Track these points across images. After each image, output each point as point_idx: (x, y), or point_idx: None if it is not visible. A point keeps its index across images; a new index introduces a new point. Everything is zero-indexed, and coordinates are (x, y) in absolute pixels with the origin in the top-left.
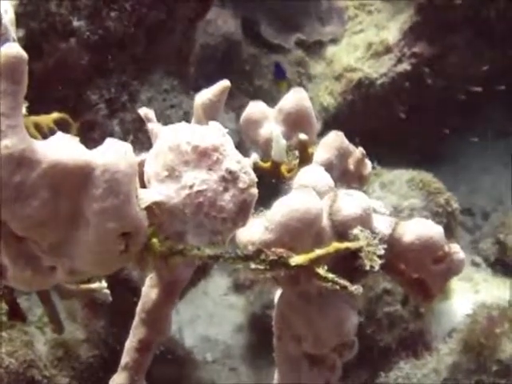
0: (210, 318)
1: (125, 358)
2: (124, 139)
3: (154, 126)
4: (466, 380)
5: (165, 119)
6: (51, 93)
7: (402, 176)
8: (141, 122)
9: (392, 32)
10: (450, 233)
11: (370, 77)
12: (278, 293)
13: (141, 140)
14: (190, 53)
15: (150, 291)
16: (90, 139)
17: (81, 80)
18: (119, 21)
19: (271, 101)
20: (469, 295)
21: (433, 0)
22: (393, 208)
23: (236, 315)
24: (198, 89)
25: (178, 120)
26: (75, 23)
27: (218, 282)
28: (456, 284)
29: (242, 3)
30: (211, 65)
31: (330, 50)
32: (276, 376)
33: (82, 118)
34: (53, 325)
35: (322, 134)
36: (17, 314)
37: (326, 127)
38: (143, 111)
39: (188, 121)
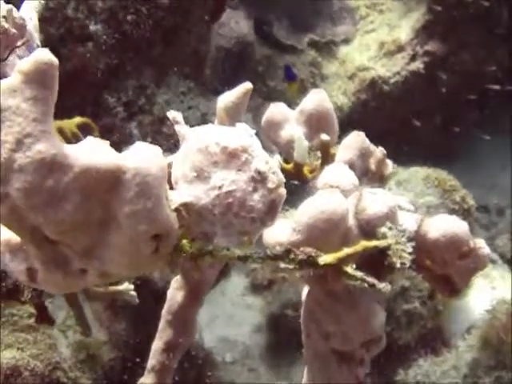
0: (229, 318)
1: (151, 361)
2: (143, 141)
3: (181, 129)
4: (485, 376)
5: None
6: (69, 97)
7: (417, 174)
8: (159, 125)
9: (404, 31)
10: None
11: (383, 76)
12: (305, 290)
13: (159, 142)
14: (206, 55)
15: (175, 293)
16: (110, 142)
17: (98, 84)
18: (135, 24)
19: (285, 101)
20: (486, 292)
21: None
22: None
23: (254, 315)
24: (214, 90)
25: (195, 121)
26: (92, 27)
27: (235, 283)
28: (473, 281)
29: (254, 5)
30: (225, 66)
31: (343, 50)
32: (305, 373)
33: (101, 122)
34: (80, 327)
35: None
36: (44, 318)
37: (340, 127)
38: (172, 115)
39: (205, 121)
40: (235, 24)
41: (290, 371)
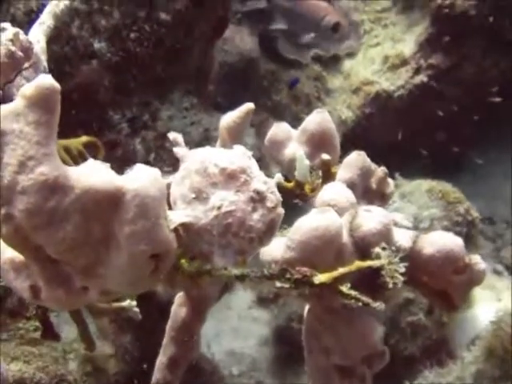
0: (235, 331)
1: (156, 376)
2: (146, 157)
3: (179, 150)
4: None
5: (185, 136)
6: (74, 114)
7: (421, 186)
8: (162, 140)
9: (408, 44)
10: (470, 242)
11: (388, 89)
12: (307, 307)
13: (162, 157)
14: (209, 71)
15: (178, 310)
16: (113, 158)
17: (103, 101)
18: (139, 42)
19: (289, 115)
20: (491, 303)
21: (447, 11)
22: (413, 218)
23: (261, 328)
24: (217, 106)
25: (198, 137)
26: (96, 45)
27: (241, 296)
28: (478, 292)
29: (258, 20)
30: (230, 82)
31: (347, 64)
32: None
33: (105, 138)
34: (84, 343)
35: (341, 147)
36: (50, 333)
37: (345, 140)
38: (172, 136)
39: (208, 137)
40: (239, 40)
41: (296, 383)
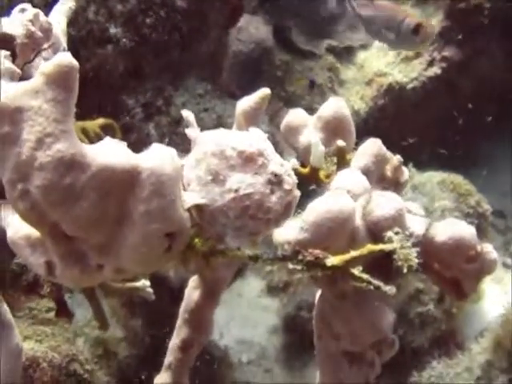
0: (245, 319)
1: (168, 358)
2: (160, 142)
3: (192, 132)
4: (498, 378)
5: (198, 122)
6: (89, 98)
7: (433, 178)
8: (176, 125)
9: None
10: (481, 234)
11: (401, 81)
12: (318, 293)
13: (176, 142)
14: (223, 58)
15: (192, 292)
16: (127, 142)
17: (117, 85)
18: (154, 27)
19: (303, 106)
20: (500, 296)
21: (462, 4)
22: (424, 209)
23: (270, 317)
24: (231, 93)
25: (211, 123)
26: (112, 30)
27: (252, 285)
28: (487, 285)
29: (273, 10)
30: (244, 71)
31: (361, 56)
32: (318, 375)
33: (119, 122)
34: (98, 322)
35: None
36: (63, 312)
37: (357, 131)
38: (185, 113)
39: (221, 123)
40: (254, 29)
41: (305, 372)
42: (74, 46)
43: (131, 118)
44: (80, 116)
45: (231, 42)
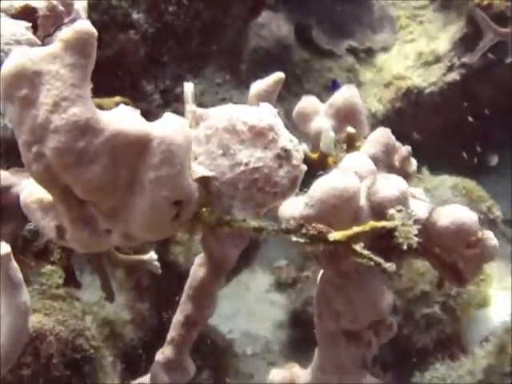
0: (252, 313)
1: (171, 333)
2: None
3: (196, 109)
4: (500, 382)
5: None
6: (108, 82)
7: (445, 182)
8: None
9: (442, 42)
10: None
11: (419, 85)
12: (320, 273)
13: None
14: (243, 50)
15: (197, 269)
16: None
17: (137, 70)
18: (176, 15)
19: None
20: (506, 303)
21: (484, 12)
22: None
23: (277, 312)
24: (249, 86)
25: None
26: (134, 16)
27: (260, 279)
28: (494, 292)
29: (295, 8)
30: (263, 67)
31: (381, 58)
32: (316, 353)
33: (137, 107)
34: (105, 292)
35: None
36: (72, 280)
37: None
38: (187, 87)
39: None
40: (276, 26)
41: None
42: (97, 30)
43: (149, 103)
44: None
45: (252, 37)
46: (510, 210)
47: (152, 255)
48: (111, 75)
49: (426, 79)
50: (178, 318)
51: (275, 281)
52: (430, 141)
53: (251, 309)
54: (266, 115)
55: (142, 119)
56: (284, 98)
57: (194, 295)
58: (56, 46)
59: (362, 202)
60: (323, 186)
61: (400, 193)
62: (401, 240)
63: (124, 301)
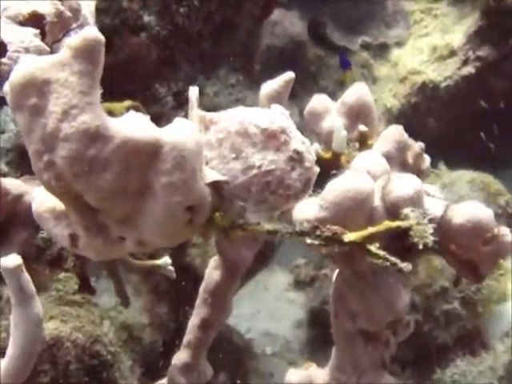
0: (271, 313)
1: (187, 336)
2: None
3: (206, 114)
4: None
5: None
6: (121, 85)
7: (462, 177)
8: None
9: (457, 36)
10: None
11: (434, 80)
12: (336, 272)
13: None
14: (256, 50)
15: (212, 272)
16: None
17: (150, 73)
18: (188, 17)
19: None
20: None
21: (498, 4)
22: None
23: (296, 311)
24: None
25: None
26: (146, 18)
27: (279, 279)
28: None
29: (308, 5)
30: (277, 65)
31: (395, 53)
32: (333, 352)
33: (150, 110)
34: (119, 297)
35: None
36: (86, 287)
37: None
38: (192, 91)
39: None
40: (289, 24)
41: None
42: (108, 34)
43: (162, 106)
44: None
45: (265, 35)
46: None
47: (166, 260)
48: (123, 78)
49: (441, 73)
50: (193, 321)
51: (294, 280)
52: (446, 135)
53: (270, 308)
54: (278, 117)
55: (152, 125)
56: (298, 95)
57: (209, 298)
58: (64, 53)
59: (377, 202)
60: (337, 188)
61: (414, 192)
62: (416, 239)
63: (142, 304)
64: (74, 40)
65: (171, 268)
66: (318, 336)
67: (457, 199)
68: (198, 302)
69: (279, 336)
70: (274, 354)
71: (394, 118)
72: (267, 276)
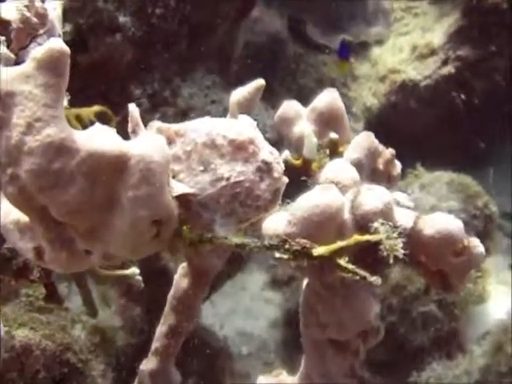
0: (247, 312)
1: (155, 344)
2: None
3: (169, 126)
4: (496, 382)
5: (205, 114)
6: (95, 86)
7: (441, 178)
8: (182, 117)
9: (437, 35)
10: (487, 236)
11: (414, 79)
12: (305, 282)
13: None
14: (233, 51)
15: (181, 280)
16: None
17: (125, 74)
18: (163, 18)
19: (314, 99)
20: (505, 299)
21: (479, 4)
22: (430, 210)
23: (272, 310)
24: (240, 86)
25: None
26: (121, 19)
27: (256, 278)
28: (492, 287)
29: (288, 2)
30: (257, 63)
31: (375, 52)
32: (303, 361)
33: (124, 111)
34: (87, 308)
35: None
36: (52, 297)
37: (369, 127)
38: (131, 108)
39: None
40: (269, 21)
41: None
42: (83, 34)
43: (137, 107)
44: (84, 104)
45: (244, 32)
46: (509, 204)
47: (134, 270)
48: (98, 79)
49: (421, 72)
50: (161, 328)
51: (271, 279)
52: (425, 134)
53: (247, 308)
54: (246, 128)
55: (119, 137)
56: (278, 93)
57: (177, 306)
58: (28, 65)
59: (346, 215)
60: (305, 203)
61: (384, 204)
62: (386, 253)
63: (114, 307)
64: (38, 52)
65: (139, 278)
66: (295, 336)
67: (435, 201)
68: (166, 309)
69: (255, 336)
70: (249, 354)
71: (373, 116)
72: (244, 275)
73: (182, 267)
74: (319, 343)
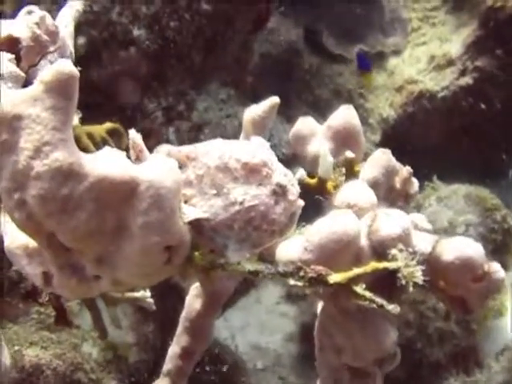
0: (262, 326)
1: (167, 365)
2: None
3: (179, 149)
4: None
5: (220, 129)
6: (109, 100)
7: (458, 191)
8: (197, 131)
9: (455, 45)
10: (505, 250)
11: (431, 89)
12: (320, 304)
13: None
14: (248, 63)
15: (193, 301)
16: (146, 147)
17: (139, 88)
18: (178, 31)
19: (330, 111)
20: None
21: (497, 14)
22: (448, 223)
23: (287, 324)
24: (255, 98)
25: (232, 130)
26: (135, 32)
27: (271, 291)
28: (510, 302)
29: (304, 13)
30: (272, 73)
31: (392, 62)
32: None
33: (139, 126)
34: (97, 330)
35: (381, 145)
36: (62, 319)
37: (386, 138)
38: (132, 135)
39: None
40: (285, 32)
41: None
42: (96, 48)
43: (151, 121)
44: (98, 118)
45: (260, 43)
46: None
47: (144, 293)
48: (112, 94)
49: (439, 83)
50: (174, 349)
51: (286, 292)
52: (443, 146)
53: (262, 321)
54: (259, 150)
55: (128, 162)
56: (294, 104)
57: (190, 327)
58: (36, 87)
59: (363, 241)
60: (322, 229)
61: (402, 230)
62: (404, 281)
63: (128, 323)
64: (46, 74)
65: (150, 300)
66: (310, 350)
67: (452, 214)
68: (178, 329)
69: (270, 350)
70: (264, 368)
71: (390, 127)
72: (260, 289)
73: (195, 288)
74: (335, 368)
